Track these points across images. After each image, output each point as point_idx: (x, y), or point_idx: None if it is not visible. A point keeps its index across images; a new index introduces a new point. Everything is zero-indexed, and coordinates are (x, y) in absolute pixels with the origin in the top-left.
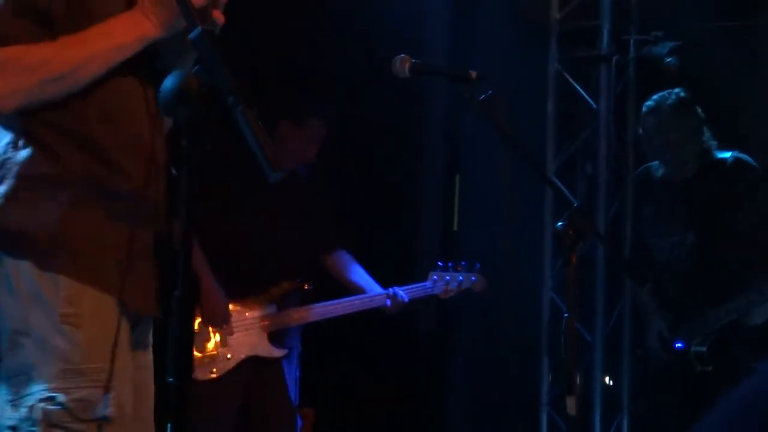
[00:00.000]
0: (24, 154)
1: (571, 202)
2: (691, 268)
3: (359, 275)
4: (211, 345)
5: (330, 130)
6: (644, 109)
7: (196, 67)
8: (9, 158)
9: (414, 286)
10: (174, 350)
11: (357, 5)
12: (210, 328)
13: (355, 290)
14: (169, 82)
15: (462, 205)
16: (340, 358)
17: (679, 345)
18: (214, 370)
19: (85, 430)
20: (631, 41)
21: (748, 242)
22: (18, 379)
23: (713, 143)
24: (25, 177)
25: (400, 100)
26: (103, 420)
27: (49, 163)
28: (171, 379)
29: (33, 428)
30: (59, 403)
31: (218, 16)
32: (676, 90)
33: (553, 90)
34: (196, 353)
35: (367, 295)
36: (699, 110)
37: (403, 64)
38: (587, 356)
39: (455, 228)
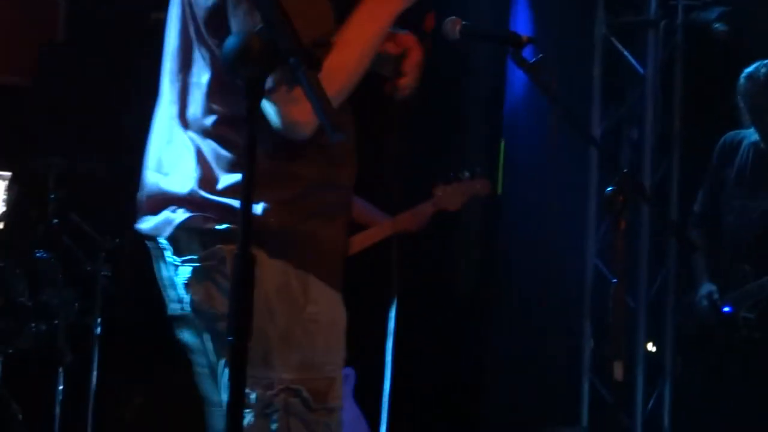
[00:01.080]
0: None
1: (619, 167)
2: (760, 234)
3: (372, 210)
4: None
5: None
6: (743, 74)
7: (259, 26)
8: (278, 165)
9: (421, 204)
10: (233, 309)
11: None
12: None
13: (373, 222)
14: (231, 42)
15: (506, 169)
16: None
17: (728, 309)
18: None
19: (314, 419)
20: (679, 6)
21: None
22: (254, 362)
23: None
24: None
25: (444, 64)
26: (331, 409)
27: (306, 169)
28: (230, 338)
29: (267, 411)
30: (299, 395)
31: None
32: None
33: (600, 55)
34: None
35: (391, 218)
36: None
37: (453, 26)
38: (630, 322)
39: (499, 192)
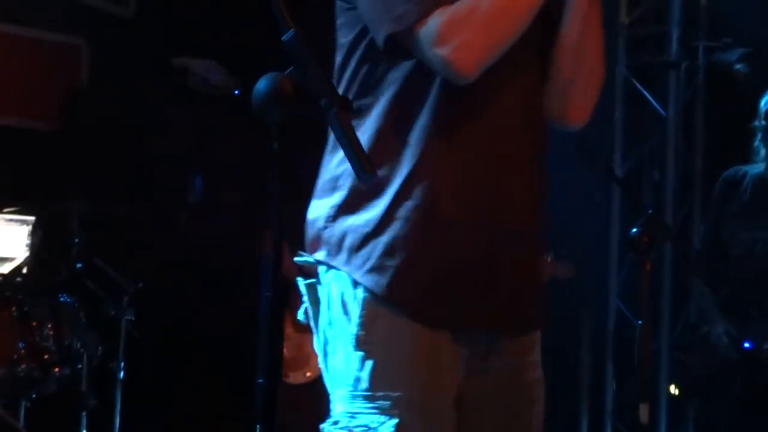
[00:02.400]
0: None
1: (643, 208)
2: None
3: None
4: (304, 347)
5: None
6: (764, 100)
7: (289, 69)
8: (346, 170)
9: None
10: (263, 351)
11: None
12: (302, 331)
13: None
14: (262, 84)
15: None
16: None
17: (748, 345)
18: (308, 373)
19: None
20: (700, 47)
21: None
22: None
23: None
24: (355, 190)
25: None
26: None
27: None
28: (260, 380)
29: None
30: (342, 427)
31: None
32: None
33: (621, 96)
34: (289, 355)
35: None
36: None
37: None
38: (657, 360)
39: None
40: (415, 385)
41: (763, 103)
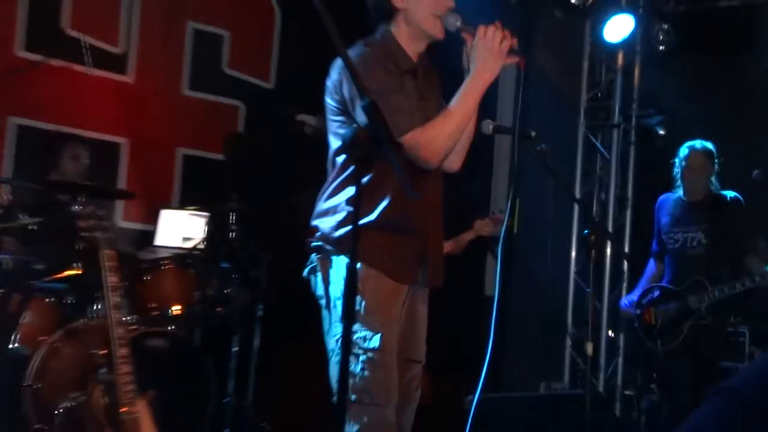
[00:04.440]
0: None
1: (592, 218)
2: (698, 253)
3: None
4: None
5: None
6: (685, 145)
7: (365, 123)
8: (341, 202)
9: (463, 234)
10: (340, 375)
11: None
12: None
13: None
14: (348, 133)
15: (520, 217)
16: None
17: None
18: None
19: (360, 353)
20: (633, 115)
21: (737, 243)
22: (336, 324)
23: (717, 183)
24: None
25: (479, 150)
26: (374, 348)
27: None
28: (334, 399)
29: (338, 349)
30: (354, 338)
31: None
32: (705, 142)
33: (581, 145)
34: None
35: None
36: (716, 160)
37: (488, 125)
38: (597, 317)
39: (515, 231)
40: (385, 313)
41: (680, 151)
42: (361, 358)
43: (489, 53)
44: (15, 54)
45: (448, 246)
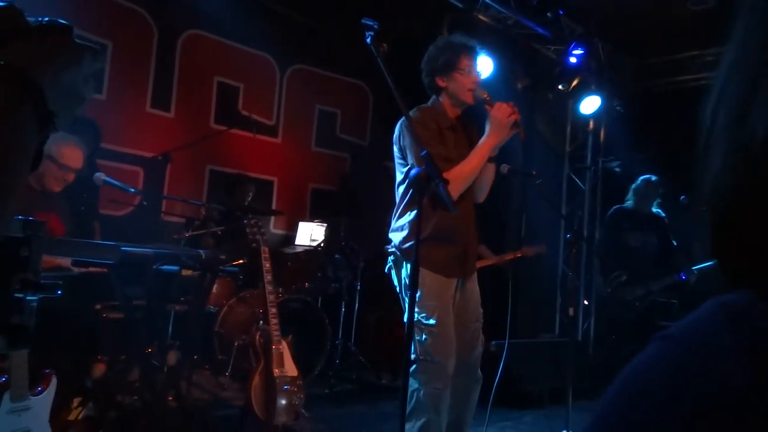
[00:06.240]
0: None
1: (573, 228)
2: (652, 251)
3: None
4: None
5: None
6: (640, 178)
7: (424, 167)
8: (412, 221)
9: (507, 253)
10: (406, 341)
11: None
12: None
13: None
14: (413, 172)
15: (526, 227)
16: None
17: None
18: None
19: (423, 327)
20: (600, 160)
21: (672, 246)
22: (406, 309)
23: (658, 200)
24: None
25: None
26: (432, 325)
27: (423, 228)
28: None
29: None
30: (418, 319)
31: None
32: (653, 176)
33: (565, 181)
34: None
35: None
36: (659, 188)
37: (504, 168)
38: (577, 293)
39: (523, 236)
40: (439, 300)
41: (633, 185)
42: (424, 331)
43: (498, 125)
44: (210, 126)
45: (493, 259)
